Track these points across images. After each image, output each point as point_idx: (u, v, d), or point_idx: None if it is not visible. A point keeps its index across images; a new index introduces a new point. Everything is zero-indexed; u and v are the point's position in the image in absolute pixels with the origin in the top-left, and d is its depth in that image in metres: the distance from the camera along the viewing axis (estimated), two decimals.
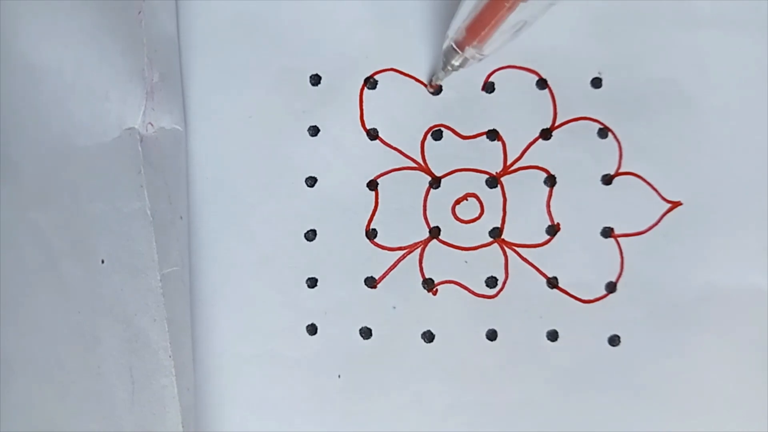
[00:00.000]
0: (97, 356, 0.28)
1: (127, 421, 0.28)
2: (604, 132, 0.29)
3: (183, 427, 0.27)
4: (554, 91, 0.29)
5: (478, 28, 0.25)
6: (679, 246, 0.29)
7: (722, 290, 0.29)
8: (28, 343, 0.29)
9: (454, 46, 0.27)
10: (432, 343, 0.29)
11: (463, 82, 0.29)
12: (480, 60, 0.27)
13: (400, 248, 0.29)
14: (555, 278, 0.29)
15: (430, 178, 0.29)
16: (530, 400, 0.29)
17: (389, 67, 0.29)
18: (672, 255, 0.29)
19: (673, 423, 0.28)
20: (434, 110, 0.29)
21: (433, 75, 0.29)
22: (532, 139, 0.29)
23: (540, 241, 0.29)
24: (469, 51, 0.26)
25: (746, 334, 0.28)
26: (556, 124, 0.29)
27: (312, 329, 0.29)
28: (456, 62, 0.27)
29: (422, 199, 0.29)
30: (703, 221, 0.29)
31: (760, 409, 0.28)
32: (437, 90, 0.29)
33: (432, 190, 0.29)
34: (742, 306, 0.28)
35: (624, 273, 0.29)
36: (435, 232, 0.29)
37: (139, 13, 0.27)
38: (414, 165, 0.29)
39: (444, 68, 0.28)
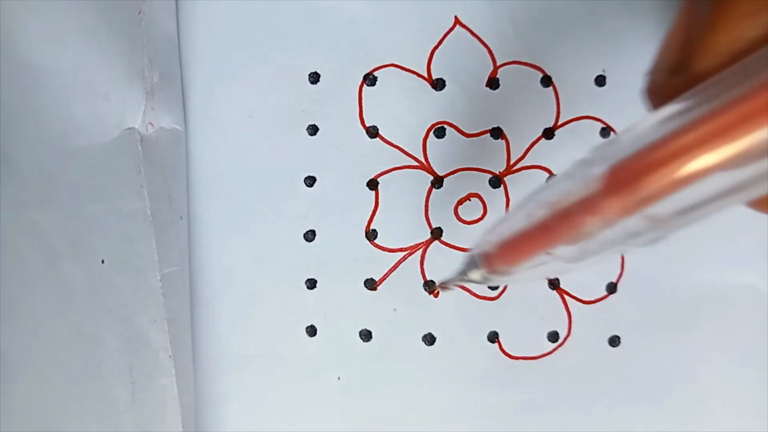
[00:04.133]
0: (97, 356, 0.28)
1: (127, 421, 0.28)
2: (606, 131, 0.28)
3: (183, 427, 0.27)
4: (558, 89, 0.28)
5: (513, 251, 0.18)
6: (679, 246, 0.28)
7: (721, 290, 0.28)
8: (28, 343, 0.29)
9: (477, 258, 0.19)
10: (433, 346, 0.29)
11: (466, 77, 0.28)
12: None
13: (401, 249, 0.29)
14: (556, 279, 0.28)
15: (432, 178, 0.29)
16: (531, 401, 0.28)
17: (389, 63, 0.29)
18: (671, 255, 0.28)
19: (673, 423, 0.28)
20: (437, 107, 0.29)
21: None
22: (535, 138, 0.28)
23: None
24: (496, 275, 0.19)
25: (745, 334, 0.28)
26: (559, 123, 0.28)
27: (311, 330, 0.29)
28: (475, 276, 0.20)
29: (424, 199, 0.29)
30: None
31: (759, 409, 0.28)
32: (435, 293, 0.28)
33: (434, 190, 0.29)
34: (740, 306, 0.28)
35: (624, 273, 0.28)
36: (437, 233, 0.29)
37: (139, 13, 0.27)
38: (415, 164, 0.29)
39: (461, 276, 0.20)
